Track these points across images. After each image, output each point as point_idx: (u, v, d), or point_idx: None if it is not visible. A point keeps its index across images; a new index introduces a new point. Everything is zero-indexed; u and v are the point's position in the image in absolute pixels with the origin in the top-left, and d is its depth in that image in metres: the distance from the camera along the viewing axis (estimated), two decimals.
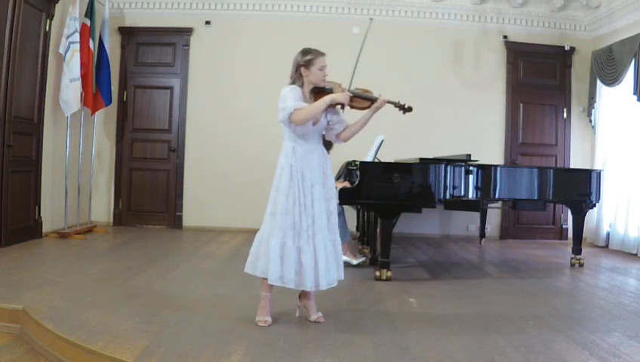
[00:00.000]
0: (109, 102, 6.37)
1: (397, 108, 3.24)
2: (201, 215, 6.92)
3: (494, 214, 7.06)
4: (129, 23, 7.01)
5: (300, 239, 2.91)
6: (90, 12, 5.99)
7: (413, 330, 2.92)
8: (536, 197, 4.86)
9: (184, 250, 5.45)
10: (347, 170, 5.06)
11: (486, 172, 4.54)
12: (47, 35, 5.47)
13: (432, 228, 7.05)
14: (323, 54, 3.03)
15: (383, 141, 5.02)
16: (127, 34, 6.99)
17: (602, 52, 6.58)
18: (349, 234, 4.95)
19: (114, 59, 6.70)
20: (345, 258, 4.53)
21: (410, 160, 4.78)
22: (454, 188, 4.33)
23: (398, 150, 6.10)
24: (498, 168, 4.65)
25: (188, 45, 7.01)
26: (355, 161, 4.61)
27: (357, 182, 4.20)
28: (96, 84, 6.17)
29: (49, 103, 5.63)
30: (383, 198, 4.16)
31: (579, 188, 5.04)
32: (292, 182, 2.94)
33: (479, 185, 4.48)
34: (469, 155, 4.75)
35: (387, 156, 5.38)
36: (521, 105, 7.12)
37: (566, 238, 6.93)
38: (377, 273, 4.20)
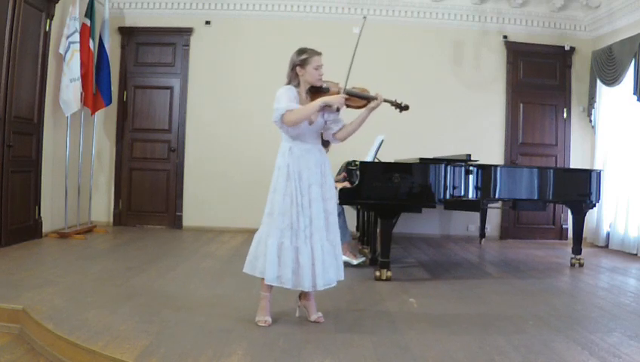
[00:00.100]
0: (109, 102, 6.37)
1: (393, 107, 3.23)
2: (201, 215, 6.92)
3: (494, 214, 7.06)
4: (129, 23, 7.01)
5: (298, 239, 2.91)
6: (90, 12, 5.99)
7: (413, 330, 2.92)
8: (536, 197, 4.86)
9: (184, 250, 5.45)
10: (347, 170, 5.06)
11: (486, 172, 4.54)
12: (47, 35, 5.47)
13: (432, 228, 7.05)
14: (319, 53, 3.02)
15: (383, 141, 5.02)
16: (127, 34, 6.99)
17: (602, 52, 6.58)
18: (349, 234, 4.95)
19: (114, 59, 6.70)
20: (345, 258, 4.53)
21: (410, 160, 4.78)
22: (454, 188, 4.33)
23: (398, 150, 6.10)
24: (498, 168, 4.65)
25: (188, 45, 7.01)
26: (355, 160, 4.62)
27: (357, 182, 4.19)
28: (96, 84, 6.18)
29: (49, 103, 5.63)
30: (383, 198, 4.16)
31: (579, 188, 5.05)
32: (289, 182, 2.94)
33: (479, 185, 4.48)
34: (469, 155, 4.75)
35: (387, 156, 5.38)
36: (521, 105, 7.12)
37: (566, 238, 6.94)
38: (377, 273, 4.20)
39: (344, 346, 2.63)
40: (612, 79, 6.33)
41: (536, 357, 2.55)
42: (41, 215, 5.55)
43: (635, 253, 5.89)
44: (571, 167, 6.90)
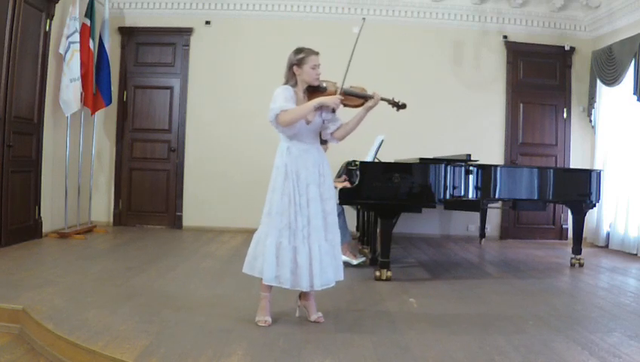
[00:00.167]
0: (109, 102, 6.37)
1: (391, 106, 3.23)
2: (201, 215, 6.92)
3: (494, 214, 7.06)
4: (129, 23, 7.01)
5: (296, 239, 2.91)
6: (90, 12, 5.99)
7: (413, 330, 2.92)
8: (536, 197, 4.86)
9: (184, 250, 5.45)
10: (347, 170, 5.06)
11: (486, 172, 4.54)
12: (47, 35, 5.47)
13: (432, 228, 7.05)
14: (316, 53, 3.02)
15: (383, 141, 5.02)
16: (127, 34, 6.99)
17: (602, 52, 6.58)
18: (349, 234, 4.95)
19: (114, 59, 6.70)
20: (345, 258, 4.54)
21: (410, 160, 4.78)
22: (454, 188, 4.33)
23: (398, 150, 6.10)
24: (498, 168, 4.65)
25: (188, 45, 7.01)
26: (355, 160, 4.61)
27: (357, 182, 4.19)
28: (96, 84, 6.18)
29: (49, 103, 5.63)
30: (383, 198, 4.16)
31: (579, 188, 5.05)
32: (287, 182, 2.94)
33: (479, 185, 4.48)
34: (469, 155, 4.75)
35: (387, 156, 5.38)
36: (521, 105, 7.12)
37: (566, 238, 6.93)
38: (377, 273, 4.20)
39: (344, 346, 2.63)
40: (612, 79, 6.33)
41: (536, 357, 2.55)
42: (41, 215, 5.55)
43: (635, 253, 5.89)
44: (571, 167, 6.90)
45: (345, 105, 3.08)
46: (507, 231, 7.09)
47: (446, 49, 7.05)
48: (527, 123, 7.11)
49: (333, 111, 3.03)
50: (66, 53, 5.58)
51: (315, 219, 2.94)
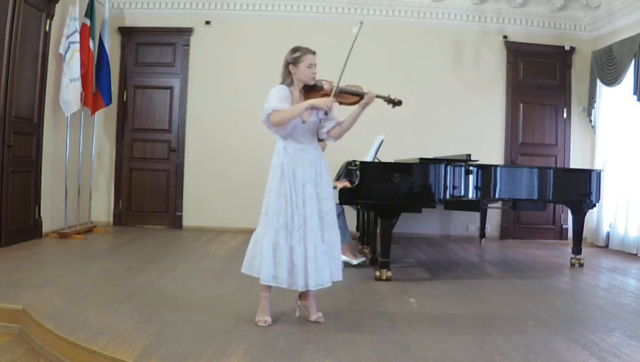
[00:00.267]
0: (109, 102, 6.37)
1: (386, 103, 3.22)
2: (201, 215, 6.92)
3: (494, 214, 7.06)
4: (129, 23, 7.01)
5: (293, 239, 2.91)
6: (90, 12, 5.99)
7: (413, 330, 2.92)
8: (536, 197, 4.86)
9: (184, 250, 5.45)
10: (347, 170, 5.06)
11: (486, 172, 4.54)
12: (47, 35, 5.47)
13: (432, 228, 7.05)
14: (312, 52, 3.02)
15: (383, 141, 5.02)
16: (127, 34, 6.99)
17: (602, 52, 6.58)
18: (349, 234, 4.94)
19: (114, 59, 6.70)
20: (345, 258, 4.54)
21: (410, 160, 4.78)
22: (454, 188, 4.33)
23: (398, 150, 6.10)
24: (498, 168, 4.65)
25: (188, 45, 7.01)
26: (355, 161, 4.61)
27: (357, 182, 4.19)
28: (96, 84, 6.18)
29: (49, 103, 5.63)
30: (383, 198, 4.16)
31: (579, 188, 5.05)
32: (283, 181, 2.94)
33: (479, 185, 4.48)
34: (469, 155, 4.75)
35: (387, 156, 5.38)
36: (521, 105, 7.12)
37: (566, 238, 6.93)
38: (377, 273, 4.20)
39: (344, 346, 2.63)
40: (612, 79, 6.33)
41: (536, 357, 2.54)
42: (41, 215, 5.55)
43: (635, 253, 5.89)
44: (571, 167, 6.90)
45: (340, 103, 3.08)
46: (507, 231, 7.09)
47: (446, 49, 7.05)
48: (527, 123, 7.11)
49: (326, 113, 3.02)
50: (66, 53, 5.58)
51: (311, 219, 2.93)
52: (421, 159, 4.40)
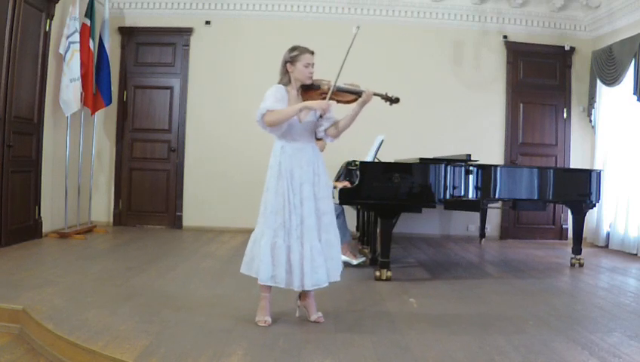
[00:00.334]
0: (109, 102, 6.37)
1: (384, 100, 3.21)
2: (201, 215, 6.92)
3: (494, 214, 7.06)
4: (129, 23, 7.01)
5: (290, 238, 2.91)
6: (90, 12, 5.99)
7: (413, 330, 2.92)
8: (536, 197, 4.86)
9: (184, 250, 5.45)
10: (347, 170, 5.06)
11: (486, 172, 4.54)
12: (47, 35, 5.47)
13: (432, 228, 7.05)
14: (310, 52, 3.02)
15: (383, 141, 5.02)
16: (127, 34, 6.99)
17: (602, 52, 6.58)
18: (349, 234, 4.94)
19: (114, 59, 6.70)
20: (345, 258, 4.54)
21: (410, 160, 4.78)
22: (454, 188, 4.33)
23: (398, 150, 6.10)
24: (498, 168, 4.65)
25: (188, 45, 7.01)
26: (355, 161, 4.61)
27: (357, 182, 4.19)
28: (96, 84, 6.18)
29: (49, 103, 5.63)
30: (383, 198, 4.16)
31: (579, 188, 5.04)
32: (280, 181, 2.94)
33: (479, 185, 4.48)
34: (469, 155, 4.75)
35: (387, 156, 5.38)
36: (521, 105, 7.12)
37: (566, 238, 6.93)
38: (377, 273, 4.20)
39: (344, 346, 2.63)
40: (612, 79, 6.33)
41: (536, 357, 2.54)
42: (41, 215, 5.55)
43: (635, 253, 5.89)
44: (571, 167, 6.90)
45: (338, 102, 3.09)
46: (507, 231, 7.09)
47: (446, 49, 7.05)
48: (527, 123, 7.11)
49: (321, 116, 3.01)
50: (66, 53, 5.58)
51: (308, 219, 2.93)
52: (421, 159, 4.40)
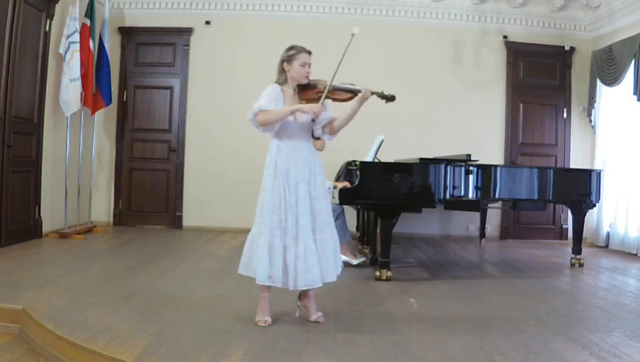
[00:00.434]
0: (109, 102, 6.37)
1: (380, 98, 3.21)
2: (201, 215, 6.92)
3: (494, 214, 7.06)
4: (129, 23, 7.01)
5: (286, 237, 2.91)
6: (90, 12, 5.99)
7: (413, 330, 2.92)
8: (536, 197, 4.86)
9: (184, 250, 5.45)
10: (347, 170, 5.06)
11: (486, 172, 4.54)
12: (47, 35, 5.47)
13: (432, 228, 7.05)
14: (307, 51, 3.03)
15: (383, 141, 5.02)
16: (127, 34, 6.99)
17: (602, 52, 6.58)
18: (349, 234, 4.94)
19: (114, 59, 6.70)
20: (345, 258, 4.54)
21: (410, 160, 4.78)
22: (454, 188, 4.33)
23: (398, 150, 6.10)
24: (498, 168, 4.64)
25: (188, 45, 7.01)
26: (355, 160, 4.61)
27: (357, 182, 4.19)
28: (96, 84, 6.18)
29: (49, 103, 5.63)
30: (382, 198, 4.16)
31: (579, 188, 5.04)
32: (276, 180, 2.95)
33: (479, 185, 4.48)
34: (469, 155, 4.75)
35: (387, 156, 5.38)
36: (521, 105, 7.12)
37: (566, 238, 6.93)
38: (377, 273, 4.20)
39: (344, 346, 2.63)
40: (612, 79, 6.33)
41: (536, 357, 2.54)
42: (41, 215, 5.55)
43: (635, 253, 5.89)
44: (571, 167, 6.90)
45: (334, 100, 3.09)
46: (507, 231, 7.09)
47: (446, 49, 7.05)
48: (527, 123, 7.11)
49: (313, 120, 3.01)
50: (66, 53, 5.58)
51: (303, 218, 2.93)
52: (421, 159, 4.40)
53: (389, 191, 4.15)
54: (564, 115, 7.14)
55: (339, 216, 4.67)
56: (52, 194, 5.78)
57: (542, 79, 7.14)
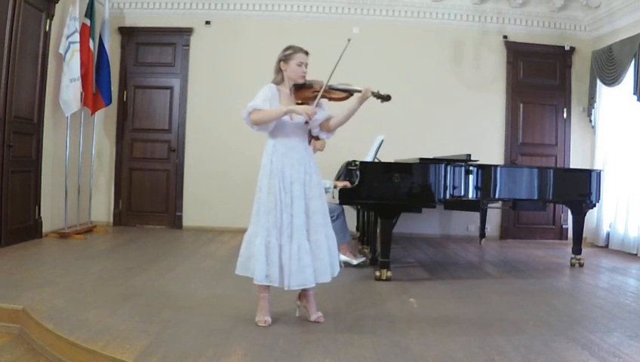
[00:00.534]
0: (109, 102, 6.37)
1: (375, 98, 3.20)
2: (201, 215, 6.92)
3: (494, 214, 7.06)
4: (129, 23, 7.01)
5: (282, 237, 2.91)
6: (90, 12, 5.99)
7: (413, 330, 2.92)
8: (536, 197, 4.86)
9: (184, 250, 5.45)
10: (347, 170, 5.06)
11: (486, 172, 4.54)
12: (47, 35, 5.47)
13: (432, 228, 7.05)
14: (304, 51, 3.04)
15: (382, 141, 5.01)
16: (127, 34, 6.99)
17: (602, 52, 6.58)
18: (349, 234, 4.95)
19: (114, 59, 6.70)
20: (345, 258, 4.54)
21: (410, 160, 4.78)
22: (454, 188, 4.33)
23: (398, 150, 6.10)
24: (498, 168, 4.64)
25: (188, 45, 7.01)
26: (355, 160, 4.61)
27: (357, 182, 4.19)
28: (96, 84, 6.18)
29: (49, 103, 5.63)
30: (382, 198, 4.16)
31: (579, 188, 5.04)
32: (272, 180, 2.95)
33: (479, 185, 4.48)
34: (469, 155, 4.75)
35: (387, 156, 5.38)
36: (521, 105, 7.12)
37: (566, 238, 6.93)
38: (377, 273, 4.20)
39: (344, 346, 2.63)
40: (612, 79, 6.33)
41: (536, 357, 2.54)
42: (41, 215, 5.55)
43: (635, 253, 5.89)
44: (571, 167, 6.90)
45: (330, 100, 3.09)
46: (507, 231, 7.09)
47: (446, 49, 7.05)
48: (527, 123, 7.11)
49: (306, 123, 3.00)
50: (66, 53, 5.58)
51: (297, 218, 2.93)
52: (421, 159, 4.40)
53: (389, 191, 4.15)
54: (564, 115, 7.14)
55: (339, 216, 4.68)
56: (52, 194, 5.78)
57: (542, 79, 7.14)
